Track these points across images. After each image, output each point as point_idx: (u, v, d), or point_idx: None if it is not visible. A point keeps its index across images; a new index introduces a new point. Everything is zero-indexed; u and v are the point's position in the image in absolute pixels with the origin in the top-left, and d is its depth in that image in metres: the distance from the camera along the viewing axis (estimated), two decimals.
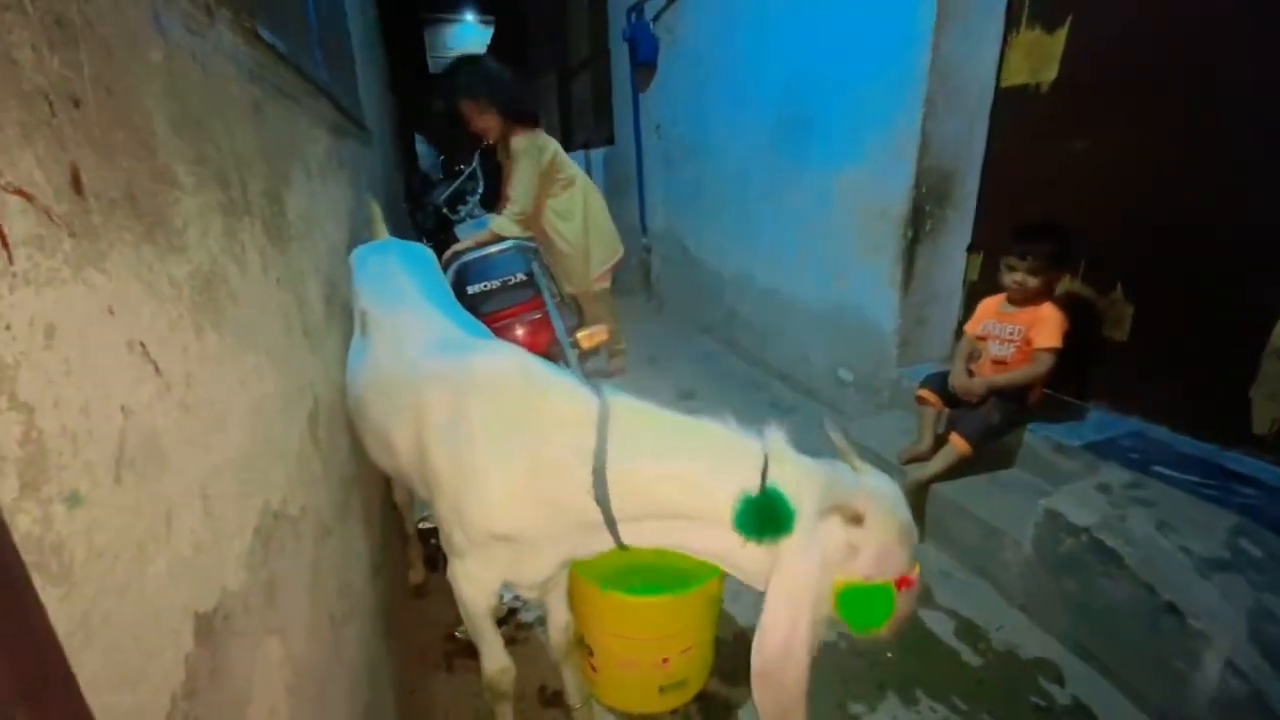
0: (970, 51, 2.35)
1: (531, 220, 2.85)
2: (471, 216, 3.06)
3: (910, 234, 2.55)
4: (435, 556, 2.06)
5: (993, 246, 2.46)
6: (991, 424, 2.05)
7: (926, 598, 1.94)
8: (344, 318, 1.58)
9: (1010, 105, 2.37)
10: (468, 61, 2.87)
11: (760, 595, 0.94)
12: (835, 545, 0.89)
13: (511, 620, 1.87)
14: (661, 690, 1.53)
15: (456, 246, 2.60)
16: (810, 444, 1.02)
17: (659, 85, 4.69)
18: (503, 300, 2.43)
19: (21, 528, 0.38)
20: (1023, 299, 2.04)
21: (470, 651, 1.57)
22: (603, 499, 0.98)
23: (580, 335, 2.43)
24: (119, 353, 0.51)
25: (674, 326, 4.90)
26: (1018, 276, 2.01)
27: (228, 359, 0.75)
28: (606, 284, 3.23)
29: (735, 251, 3.98)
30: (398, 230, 2.33)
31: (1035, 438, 2.14)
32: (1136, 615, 1.52)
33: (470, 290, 2.41)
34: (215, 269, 0.74)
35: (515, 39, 9.50)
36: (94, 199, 0.50)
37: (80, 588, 0.43)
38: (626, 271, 5.09)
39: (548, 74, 7.93)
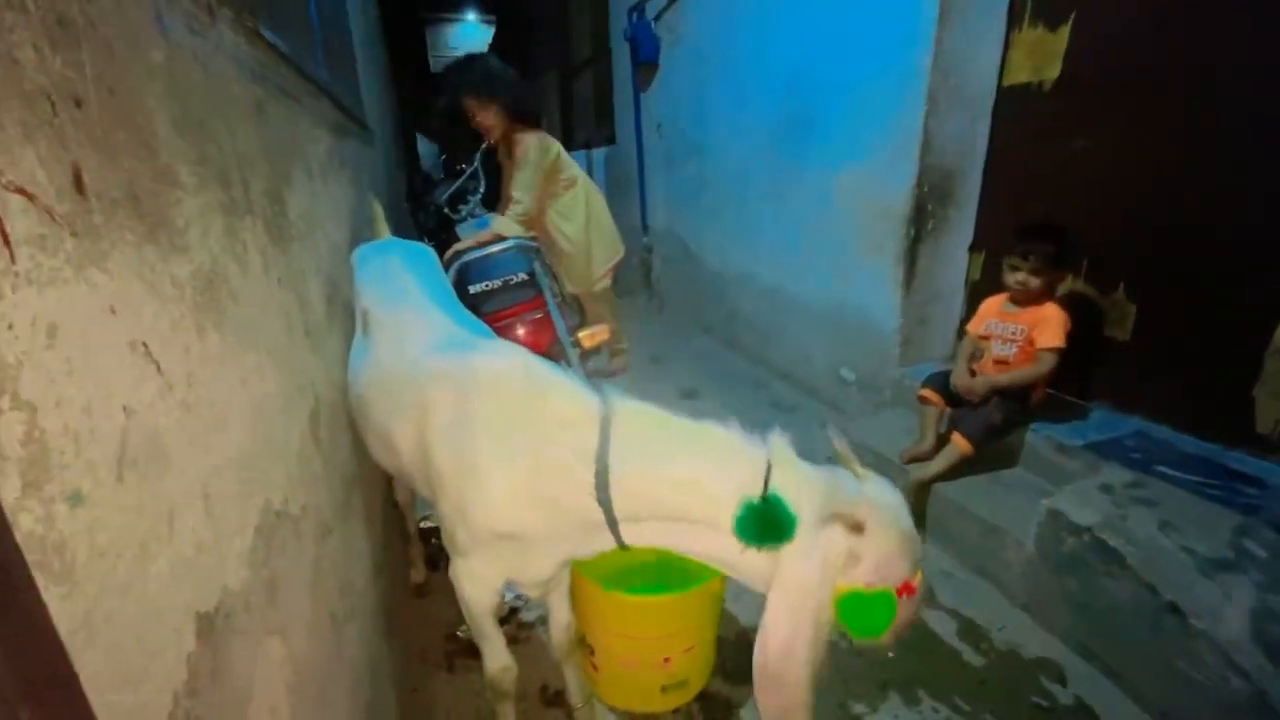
0: (972, 49, 2.34)
1: (534, 220, 2.85)
2: (473, 216, 3.06)
3: (912, 233, 2.55)
4: (436, 556, 2.06)
5: (995, 246, 2.46)
6: (993, 423, 2.05)
7: (928, 597, 1.94)
8: (346, 317, 1.58)
9: (1012, 104, 2.37)
10: (473, 59, 2.88)
11: (762, 595, 0.94)
12: (836, 553, 0.88)
13: (513, 619, 1.87)
14: (663, 689, 1.53)
15: (458, 246, 2.60)
16: (812, 444, 1.01)
17: (660, 84, 4.69)
18: (504, 300, 2.43)
19: (24, 527, 0.38)
20: (1025, 299, 2.04)
21: (472, 651, 1.57)
22: (605, 500, 0.99)
23: (582, 335, 2.44)
24: (121, 352, 0.51)
25: (675, 326, 4.90)
26: (1020, 276, 2.00)
27: (229, 359, 0.75)
28: (608, 283, 3.23)
29: (737, 251, 3.97)
30: (399, 230, 2.33)
31: (1037, 437, 2.13)
32: (1139, 615, 1.52)
33: (472, 290, 2.41)
34: (217, 269, 0.74)
35: (517, 38, 9.51)
36: (96, 199, 0.50)
37: (82, 587, 0.43)
38: (628, 271, 5.09)
39: (549, 73, 7.93)
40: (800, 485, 0.92)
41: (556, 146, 2.86)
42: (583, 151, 6.38)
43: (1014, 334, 2.06)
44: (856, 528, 0.88)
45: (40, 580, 0.38)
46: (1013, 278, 2.02)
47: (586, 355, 2.48)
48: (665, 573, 1.43)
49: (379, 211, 2.07)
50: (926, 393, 2.25)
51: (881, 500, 0.91)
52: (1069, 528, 1.69)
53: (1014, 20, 2.31)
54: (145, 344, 0.55)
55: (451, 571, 1.22)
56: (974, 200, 2.57)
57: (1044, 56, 2.22)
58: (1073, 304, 2.07)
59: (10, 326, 0.40)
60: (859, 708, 1.58)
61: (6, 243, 0.40)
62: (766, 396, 3.52)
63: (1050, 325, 1.98)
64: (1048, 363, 1.98)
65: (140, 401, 0.53)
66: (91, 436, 0.46)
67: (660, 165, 4.92)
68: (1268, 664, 1.28)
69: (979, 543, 2.02)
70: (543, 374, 1.10)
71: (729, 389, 3.63)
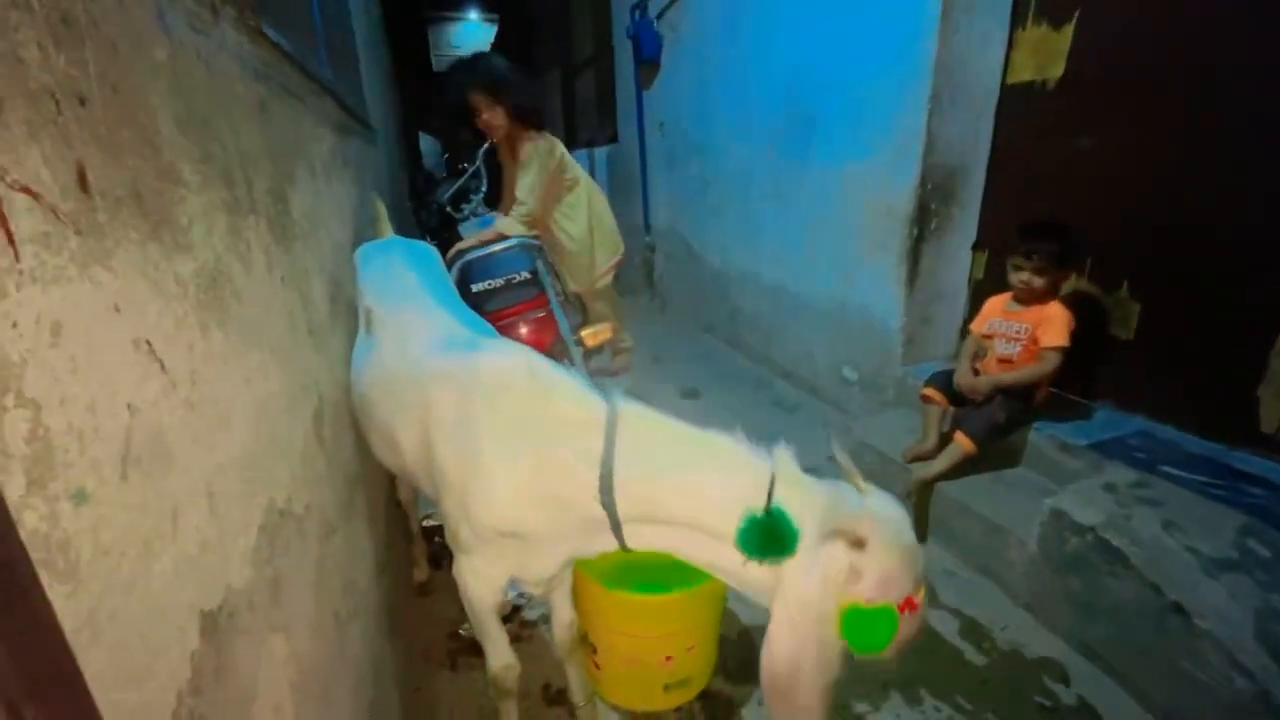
0: (976, 48, 2.34)
1: (538, 221, 2.85)
2: (475, 215, 3.06)
3: (915, 232, 2.54)
4: (439, 554, 2.06)
5: (998, 245, 2.45)
6: (997, 423, 2.04)
7: (931, 597, 1.93)
8: (349, 316, 1.59)
9: (1016, 102, 2.36)
10: (482, 57, 2.88)
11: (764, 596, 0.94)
12: (837, 568, 0.88)
13: (515, 617, 1.87)
14: (665, 688, 1.53)
15: (461, 245, 2.60)
16: (813, 443, 1.01)
17: (662, 83, 4.68)
18: (507, 298, 2.43)
19: (28, 525, 0.38)
20: (1029, 298, 2.03)
21: (474, 649, 1.57)
22: (609, 503, 0.99)
23: (585, 333, 2.43)
24: (125, 350, 0.52)
25: (678, 325, 4.90)
26: (1024, 276, 2.00)
27: (233, 357, 0.75)
28: (609, 281, 3.23)
29: (739, 250, 3.97)
30: (402, 228, 2.33)
31: (1041, 437, 2.13)
32: (1142, 615, 1.51)
33: (474, 288, 2.41)
34: (220, 267, 0.74)
35: (519, 37, 9.51)
36: (100, 197, 0.50)
37: (87, 585, 0.43)
38: (630, 270, 5.09)
39: (551, 72, 7.93)
40: (803, 499, 0.92)
41: (560, 148, 2.86)
42: (585, 150, 6.38)
43: (1017, 333, 2.06)
44: (858, 543, 0.87)
45: (45, 578, 0.38)
46: (1016, 277, 2.02)
47: (589, 354, 2.48)
48: (667, 571, 1.43)
49: (382, 210, 2.08)
50: (930, 392, 2.25)
51: (883, 515, 0.90)
52: (1072, 527, 1.68)
53: (1018, 19, 2.30)
54: (149, 342, 0.55)
55: (455, 569, 1.22)
56: (977, 199, 2.57)
57: (1048, 55, 2.21)
58: (1076, 303, 2.06)
59: (15, 324, 0.40)
60: (861, 707, 1.58)
61: (11, 241, 0.40)
62: (769, 396, 3.52)
63: (1054, 324, 1.97)
64: (1052, 362, 1.98)
65: (144, 400, 0.53)
66: (96, 435, 0.46)
67: (663, 164, 4.91)
68: (1272, 664, 1.28)
69: (982, 542, 2.02)
70: (546, 373, 1.10)
71: (731, 388, 3.63)
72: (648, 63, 4.66)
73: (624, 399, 1.04)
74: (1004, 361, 2.10)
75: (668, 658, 1.48)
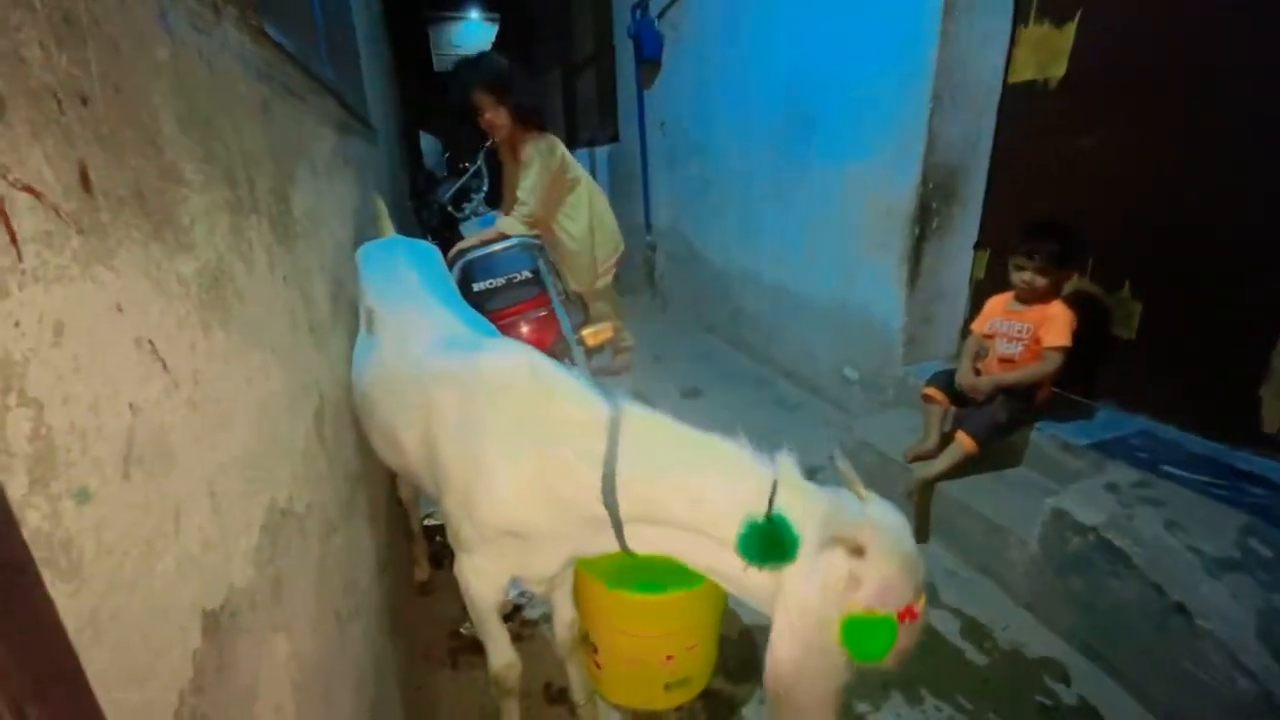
0: (977, 47, 2.33)
1: (540, 221, 2.86)
2: (476, 214, 3.06)
3: (917, 231, 2.54)
4: (440, 554, 2.07)
5: (1000, 244, 2.45)
6: (998, 422, 2.04)
7: (932, 597, 1.93)
8: (350, 315, 1.59)
9: (1018, 102, 2.35)
10: (486, 57, 2.88)
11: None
12: (837, 576, 0.88)
13: (516, 617, 1.87)
14: (666, 687, 1.53)
15: (462, 244, 2.60)
16: (815, 443, 1.01)
17: (663, 82, 4.68)
18: (508, 298, 2.43)
19: (31, 524, 0.38)
20: (1031, 297, 2.03)
21: (475, 648, 1.57)
22: (611, 504, 0.99)
23: (586, 333, 2.43)
24: (127, 350, 0.52)
25: (679, 324, 4.90)
26: (1025, 275, 2.00)
27: (234, 357, 0.75)
28: (609, 279, 3.23)
29: (740, 249, 3.97)
30: (403, 228, 2.33)
31: (1042, 436, 2.12)
32: (1144, 615, 1.51)
33: (476, 288, 2.41)
34: (222, 267, 0.74)
35: (520, 36, 9.50)
36: (102, 196, 0.50)
37: (89, 584, 0.43)
38: (631, 270, 5.09)
39: (552, 71, 7.93)
40: (805, 506, 0.92)
41: (561, 148, 2.86)
42: (586, 150, 6.38)
43: (1019, 332, 2.06)
44: (858, 551, 0.87)
45: (47, 577, 0.38)
46: (1018, 276, 2.02)
47: (591, 353, 2.48)
48: (668, 571, 1.43)
49: (383, 209, 2.08)
50: (931, 391, 2.24)
51: (884, 523, 0.90)
52: (1074, 527, 1.68)
53: (1019, 17, 2.29)
54: (151, 341, 0.55)
55: (457, 567, 1.22)
56: (979, 198, 2.56)
57: (1050, 54, 2.20)
58: (1078, 302, 2.06)
59: (17, 324, 0.40)
60: (862, 707, 1.58)
61: (14, 240, 0.40)
62: (770, 395, 3.52)
63: (1056, 324, 1.97)
64: (1053, 361, 1.98)
65: (146, 399, 0.53)
66: (98, 434, 0.46)
67: (663, 163, 4.91)
68: (1274, 664, 1.28)
69: (983, 541, 2.01)
70: (548, 372, 1.10)
71: (732, 388, 3.63)
72: (648, 62, 4.66)
73: (627, 400, 1.04)
74: (1005, 361, 2.10)
75: (669, 657, 1.48)
